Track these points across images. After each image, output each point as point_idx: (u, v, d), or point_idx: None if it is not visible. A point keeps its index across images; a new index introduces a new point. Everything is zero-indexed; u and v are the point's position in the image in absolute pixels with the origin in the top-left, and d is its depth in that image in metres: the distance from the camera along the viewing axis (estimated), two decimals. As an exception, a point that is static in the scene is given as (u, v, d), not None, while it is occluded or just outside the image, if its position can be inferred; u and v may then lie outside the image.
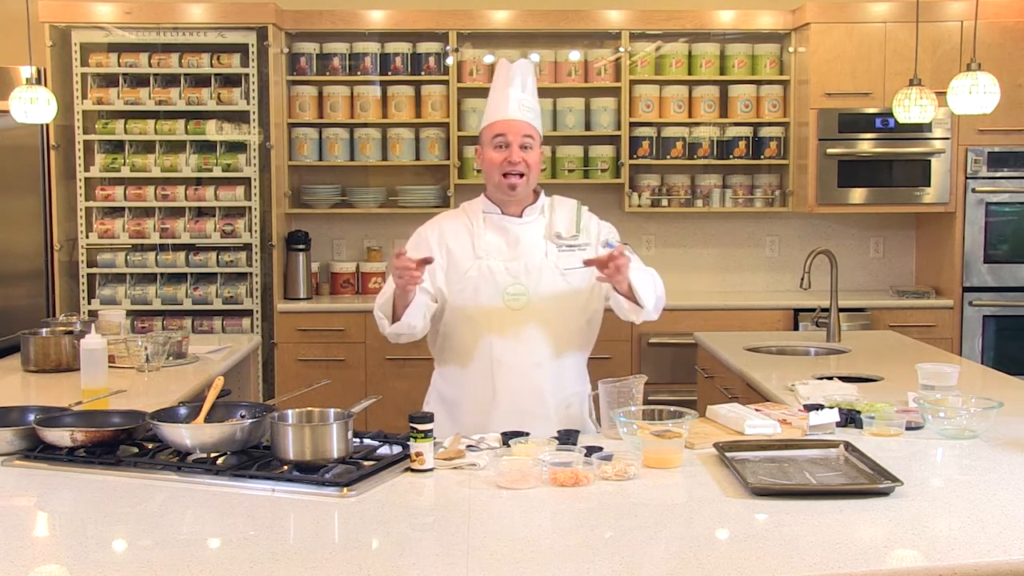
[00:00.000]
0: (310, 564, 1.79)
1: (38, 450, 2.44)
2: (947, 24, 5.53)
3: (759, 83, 5.88)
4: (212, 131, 5.58)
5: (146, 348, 3.70)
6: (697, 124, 5.89)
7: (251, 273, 5.63)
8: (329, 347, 5.54)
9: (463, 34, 5.79)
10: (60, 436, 2.41)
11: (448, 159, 5.84)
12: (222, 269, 5.63)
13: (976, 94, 3.96)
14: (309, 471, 2.24)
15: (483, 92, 3.08)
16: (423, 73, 5.82)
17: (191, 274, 5.66)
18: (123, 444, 2.46)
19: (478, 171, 2.95)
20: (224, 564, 1.79)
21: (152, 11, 5.53)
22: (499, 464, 2.26)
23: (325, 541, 1.92)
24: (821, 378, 3.41)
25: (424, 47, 5.81)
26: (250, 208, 5.62)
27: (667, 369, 5.46)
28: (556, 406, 2.93)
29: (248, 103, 5.58)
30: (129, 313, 5.39)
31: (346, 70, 5.81)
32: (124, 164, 5.60)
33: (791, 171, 5.87)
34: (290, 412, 2.41)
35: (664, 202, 5.94)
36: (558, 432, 2.63)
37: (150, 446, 2.46)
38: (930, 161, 5.64)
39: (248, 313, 5.63)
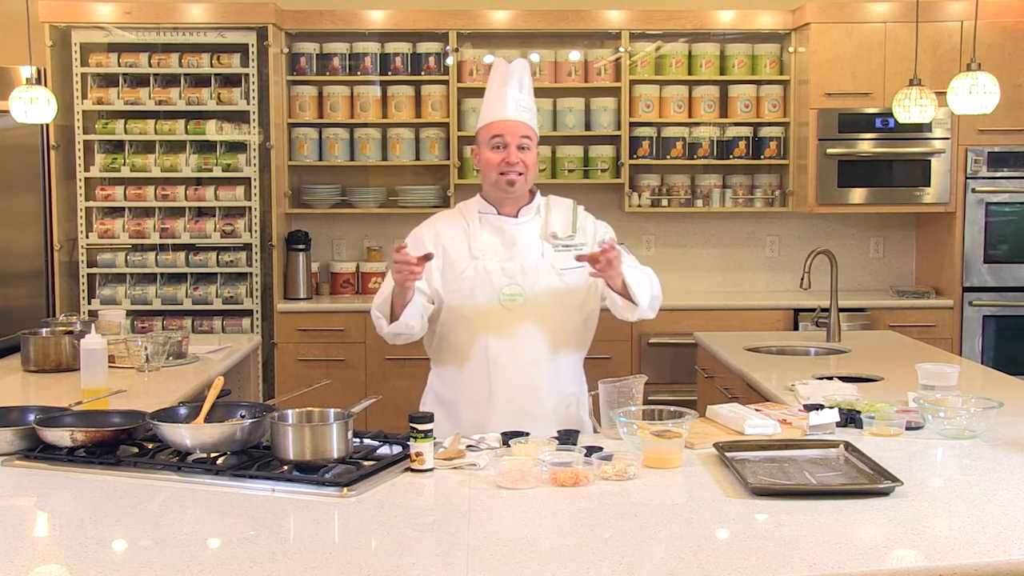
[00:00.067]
0: (310, 564, 1.79)
1: (38, 450, 2.44)
2: (947, 24, 5.53)
3: (759, 83, 5.89)
4: (212, 131, 5.58)
5: (146, 348, 3.70)
6: (697, 124, 5.89)
7: (251, 273, 5.63)
8: (329, 347, 5.54)
9: (463, 34, 5.79)
10: (60, 436, 2.41)
11: (448, 159, 5.84)
12: (222, 269, 5.63)
13: (976, 94, 3.96)
14: (309, 471, 2.24)
15: (483, 92, 3.07)
16: (423, 73, 5.82)
17: (191, 274, 5.66)
18: (123, 444, 2.46)
19: (478, 171, 2.94)
20: (224, 564, 1.79)
21: (152, 11, 5.53)
22: (499, 464, 2.26)
23: (325, 541, 1.92)
24: (821, 378, 3.41)
25: (424, 47, 5.81)
26: (250, 208, 5.62)
27: (667, 369, 5.46)
28: (553, 406, 2.93)
29: (248, 103, 5.58)
30: (129, 313, 5.39)
31: (346, 70, 5.81)
32: (124, 164, 5.60)
33: (791, 171, 5.87)
34: (290, 412, 2.41)
35: (664, 202, 5.94)
36: (558, 432, 2.63)
37: (150, 446, 2.46)
38: (930, 161, 5.64)
39: (248, 313, 5.64)
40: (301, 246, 5.74)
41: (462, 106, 5.81)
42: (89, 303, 5.58)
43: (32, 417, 2.57)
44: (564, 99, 5.88)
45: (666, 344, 5.53)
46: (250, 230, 5.61)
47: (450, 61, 5.77)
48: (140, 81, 5.65)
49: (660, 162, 5.91)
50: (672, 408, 2.57)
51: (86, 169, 5.58)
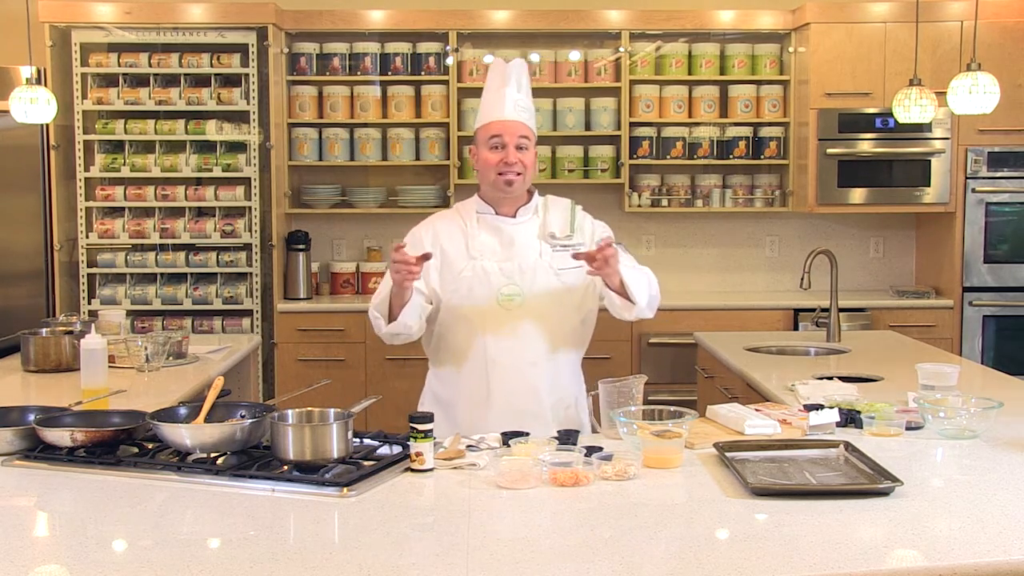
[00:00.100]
0: (310, 564, 1.79)
1: (38, 450, 2.44)
2: (947, 24, 5.53)
3: (759, 83, 5.89)
4: (212, 131, 5.58)
5: (146, 348, 3.70)
6: (697, 124, 5.89)
7: (251, 273, 5.63)
8: (329, 347, 5.54)
9: (463, 34, 5.79)
10: (60, 436, 2.41)
11: (448, 159, 5.84)
12: (222, 269, 5.63)
13: (976, 94, 3.96)
14: (309, 471, 2.24)
15: (483, 92, 3.07)
16: (423, 73, 5.82)
17: (191, 274, 5.66)
18: (123, 444, 2.46)
19: (476, 171, 2.95)
20: (224, 564, 1.79)
21: (152, 11, 5.53)
22: (499, 464, 2.26)
23: (325, 541, 1.92)
24: (821, 378, 3.41)
25: (424, 47, 5.81)
26: (250, 208, 5.62)
27: (667, 369, 5.46)
28: (551, 406, 2.93)
29: (248, 103, 5.58)
30: (129, 313, 5.39)
31: (346, 70, 5.81)
32: (124, 164, 5.60)
33: (791, 171, 5.87)
34: (290, 412, 2.40)
35: (664, 202, 5.94)
36: (558, 432, 2.63)
37: (150, 446, 2.46)
38: (930, 161, 5.64)
39: (248, 313, 5.64)
40: (301, 246, 5.74)
41: (462, 106, 5.81)
42: (89, 303, 5.58)
43: (32, 417, 2.57)
44: (564, 99, 5.88)
45: (666, 344, 5.53)
46: (250, 230, 5.61)
47: (450, 61, 5.77)
48: (140, 81, 5.65)
49: (660, 162, 5.91)
50: (672, 408, 2.57)
51: (86, 169, 5.58)
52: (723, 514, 2.05)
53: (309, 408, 2.42)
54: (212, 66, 5.59)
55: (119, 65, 5.59)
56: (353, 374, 5.50)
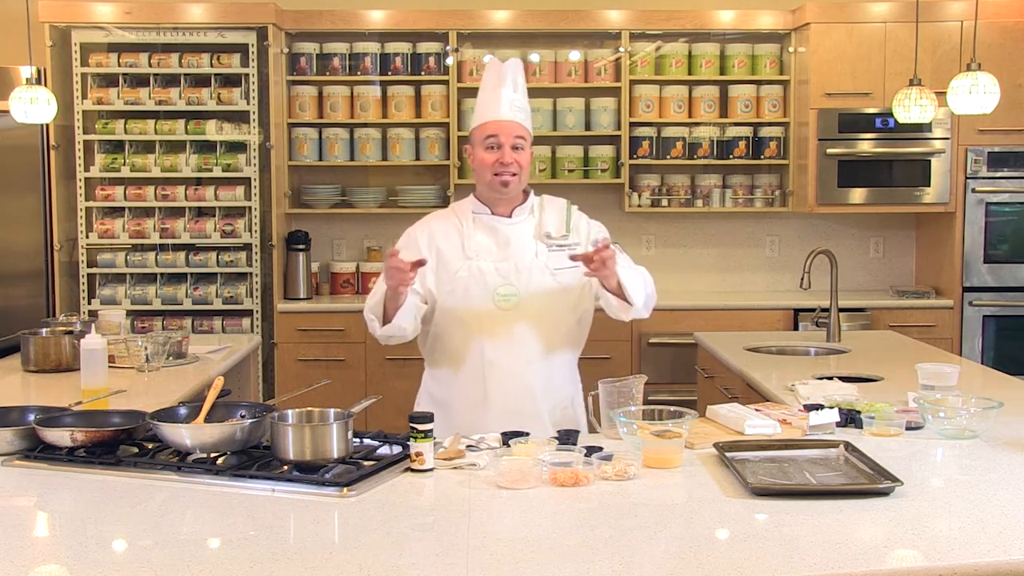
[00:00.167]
0: (310, 564, 1.79)
1: (38, 450, 2.44)
2: (947, 24, 5.53)
3: (759, 83, 5.88)
4: (212, 131, 5.58)
5: (146, 348, 3.70)
6: (697, 124, 5.89)
7: (251, 273, 5.63)
8: (329, 347, 5.54)
9: (463, 34, 5.79)
10: (60, 436, 2.41)
11: (448, 159, 5.84)
12: (222, 269, 5.63)
13: (976, 94, 3.96)
14: (309, 471, 2.24)
15: (483, 92, 3.07)
16: (423, 73, 5.82)
17: (191, 274, 5.66)
18: (123, 444, 2.46)
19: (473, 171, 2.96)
20: (224, 564, 1.79)
21: (152, 11, 5.53)
22: (499, 464, 2.26)
23: (325, 541, 1.92)
24: (821, 378, 3.41)
25: (424, 47, 5.81)
26: (250, 208, 5.62)
27: (667, 369, 5.46)
28: (548, 406, 2.93)
29: (248, 103, 5.58)
30: (129, 313, 5.39)
31: (346, 70, 5.81)
32: (124, 164, 5.60)
33: (791, 171, 5.87)
34: (290, 412, 2.40)
35: (664, 202, 5.94)
36: (558, 432, 2.64)
37: (150, 446, 2.46)
38: (930, 161, 5.64)
39: (248, 313, 5.64)
40: (301, 246, 5.74)
41: (462, 106, 5.81)
42: (89, 303, 5.58)
43: (32, 417, 2.57)
44: (564, 99, 5.87)
45: (666, 344, 5.53)
46: (250, 230, 5.61)
47: (450, 61, 5.77)
48: (140, 81, 5.65)
49: (660, 162, 5.91)
50: (672, 408, 2.57)
51: (86, 169, 5.58)
52: (723, 514, 2.05)
53: (309, 408, 2.42)
54: (212, 66, 5.59)
55: (119, 65, 5.59)
56: (353, 374, 5.50)
